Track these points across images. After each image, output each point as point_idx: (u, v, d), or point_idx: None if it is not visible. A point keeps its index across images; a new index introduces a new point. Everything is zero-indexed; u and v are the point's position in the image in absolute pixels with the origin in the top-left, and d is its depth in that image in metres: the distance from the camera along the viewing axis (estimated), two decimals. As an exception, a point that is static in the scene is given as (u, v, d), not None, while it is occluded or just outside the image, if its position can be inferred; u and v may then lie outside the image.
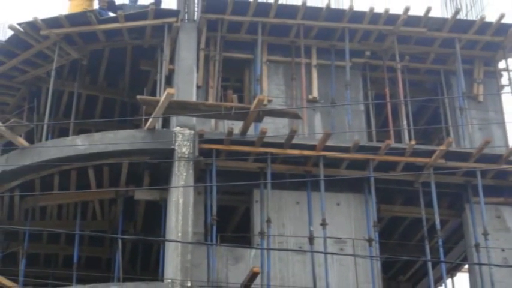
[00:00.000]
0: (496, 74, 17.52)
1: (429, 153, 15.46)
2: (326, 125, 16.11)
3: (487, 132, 16.66)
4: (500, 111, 17.09)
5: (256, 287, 13.94)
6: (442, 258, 15.33)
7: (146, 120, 15.33)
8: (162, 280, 14.34)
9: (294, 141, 15.07)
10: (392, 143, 15.51)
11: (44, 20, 16.48)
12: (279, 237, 14.91)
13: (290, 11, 16.70)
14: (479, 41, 17.30)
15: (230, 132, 14.86)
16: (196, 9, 17.05)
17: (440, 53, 17.41)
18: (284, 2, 16.85)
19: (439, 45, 17.29)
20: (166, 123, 16.17)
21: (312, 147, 15.19)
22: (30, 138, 16.29)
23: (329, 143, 15.14)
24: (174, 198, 14.47)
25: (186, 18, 16.89)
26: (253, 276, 13.71)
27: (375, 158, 15.32)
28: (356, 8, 16.79)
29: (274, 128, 15.70)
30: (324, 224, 14.76)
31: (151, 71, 17.41)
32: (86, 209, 17.04)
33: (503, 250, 15.55)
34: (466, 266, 17.63)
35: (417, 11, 16.89)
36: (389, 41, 17.02)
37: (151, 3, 17.09)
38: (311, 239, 14.76)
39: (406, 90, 17.06)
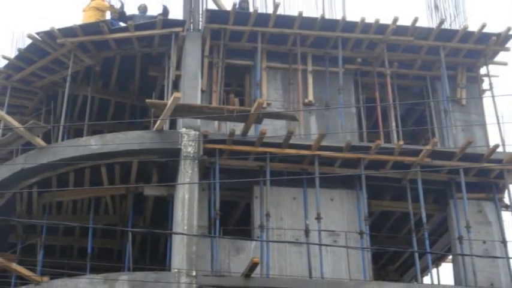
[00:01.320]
0: (478, 80, 17.49)
1: (416, 153, 15.46)
2: (321, 127, 16.09)
3: (470, 133, 16.63)
4: (481, 113, 17.07)
5: (256, 276, 13.94)
6: (428, 250, 15.33)
7: (154, 122, 15.33)
8: (169, 270, 14.33)
9: (291, 141, 15.06)
10: (382, 143, 15.50)
11: (60, 30, 16.48)
12: (277, 230, 14.89)
13: (287, 21, 16.69)
14: (462, 49, 17.27)
15: (232, 133, 14.86)
16: (200, 19, 17.05)
17: (426, 60, 17.39)
18: (282, 13, 16.83)
19: (425, 53, 17.27)
20: (173, 124, 16.15)
21: (307, 147, 15.19)
22: (47, 138, 16.29)
23: (324, 143, 15.14)
24: (180, 194, 14.47)
25: (192, 27, 16.89)
26: (253, 266, 13.70)
27: (366, 157, 15.31)
28: (348, 18, 16.77)
29: (273, 129, 15.68)
30: (318, 218, 14.76)
31: (159, 76, 17.39)
32: (99, 204, 17.02)
33: (484, 242, 15.54)
34: (450, 257, 17.60)
35: (405, 21, 16.91)
36: (379, 49, 17.00)
37: (159, 14, 17.08)
38: (307, 232, 14.75)
39: (395, 94, 17.03)
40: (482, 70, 17.55)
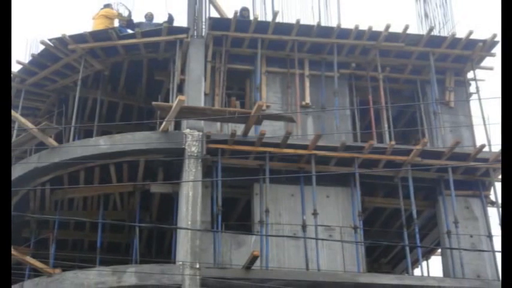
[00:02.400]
0: (465, 83, 17.52)
1: (407, 152, 15.48)
2: (317, 128, 16.12)
3: (457, 134, 16.66)
4: (468, 115, 17.09)
5: (256, 268, 13.96)
6: (418, 244, 15.36)
7: (160, 123, 15.34)
8: (174, 262, 14.34)
9: (289, 141, 15.08)
10: (374, 143, 15.52)
11: (71, 36, 16.51)
12: (276, 225, 14.91)
13: (286, 29, 16.72)
14: (450, 54, 17.30)
15: (233, 134, 14.89)
16: (204, 26, 17.07)
17: (417, 65, 17.42)
18: (280, 21, 16.86)
19: (415, 58, 17.30)
20: (177, 126, 16.15)
21: (304, 147, 15.21)
22: (59, 139, 16.30)
23: (320, 143, 15.16)
24: (185, 191, 14.48)
25: (195, 34, 16.89)
26: (253, 259, 13.72)
27: (360, 156, 15.34)
28: (343, 26, 16.80)
29: (272, 130, 15.69)
30: (315, 214, 14.79)
31: (165, 80, 17.41)
32: (108, 201, 17.04)
33: (471, 236, 15.56)
34: (439, 250, 17.62)
35: (396, 28, 16.94)
36: (372, 54, 17.04)
37: (165, 22, 17.11)
38: (304, 227, 14.77)
39: (387, 97, 17.06)
40: (470, 74, 17.58)
